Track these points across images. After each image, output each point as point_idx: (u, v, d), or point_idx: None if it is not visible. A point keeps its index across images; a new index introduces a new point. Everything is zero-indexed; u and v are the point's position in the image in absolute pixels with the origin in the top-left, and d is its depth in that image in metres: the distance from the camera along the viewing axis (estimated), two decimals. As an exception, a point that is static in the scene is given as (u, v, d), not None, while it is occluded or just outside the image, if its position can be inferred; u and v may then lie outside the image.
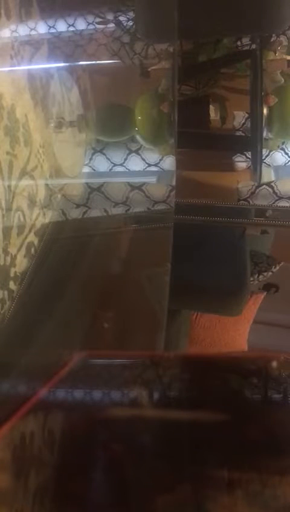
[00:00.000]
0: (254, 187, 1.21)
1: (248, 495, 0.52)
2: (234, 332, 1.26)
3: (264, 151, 1.38)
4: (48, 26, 1.45)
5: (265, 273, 1.27)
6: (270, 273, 1.27)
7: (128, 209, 1.26)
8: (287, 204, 1.18)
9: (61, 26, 1.49)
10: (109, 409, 0.71)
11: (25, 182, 1.07)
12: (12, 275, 0.98)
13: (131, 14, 1.41)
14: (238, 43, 1.41)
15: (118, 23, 1.45)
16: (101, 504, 0.56)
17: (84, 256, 1.13)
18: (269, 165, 1.48)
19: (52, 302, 0.99)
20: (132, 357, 0.85)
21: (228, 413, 0.63)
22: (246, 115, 1.47)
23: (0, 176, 0.95)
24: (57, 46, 1.46)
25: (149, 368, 0.83)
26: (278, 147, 1.39)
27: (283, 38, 1.36)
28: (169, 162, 1.50)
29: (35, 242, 1.10)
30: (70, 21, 1.50)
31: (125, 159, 1.57)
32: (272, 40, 1.33)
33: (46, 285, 1.04)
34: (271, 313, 1.28)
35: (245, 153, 1.45)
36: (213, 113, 1.48)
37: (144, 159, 1.56)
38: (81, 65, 1.55)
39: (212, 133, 1.50)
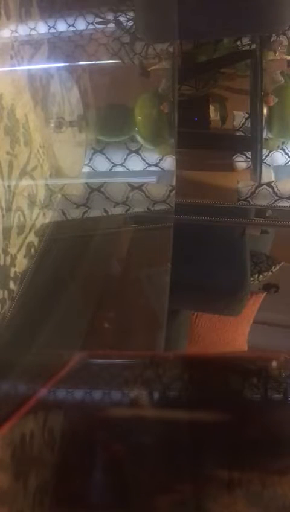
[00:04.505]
0: (254, 187, 1.21)
1: (248, 495, 0.52)
2: (234, 332, 1.26)
3: (264, 151, 1.38)
4: (48, 26, 1.45)
5: (265, 273, 1.27)
6: (270, 273, 1.28)
7: (128, 209, 1.26)
8: (287, 204, 1.18)
9: (61, 26, 1.49)
10: (109, 409, 0.71)
11: (25, 182, 1.07)
12: (12, 275, 0.98)
13: (131, 14, 1.41)
14: (238, 43, 1.40)
15: (118, 23, 1.45)
16: (101, 504, 0.56)
17: (84, 256, 1.13)
18: (269, 165, 1.48)
19: (52, 302, 0.99)
20: (132, 357, 0.85)
21: (228, 413, 0.63)
22: (246, 115, 1.47)
23: (0, 175, 0.95)
24: (57, 46, 1.46)
25: (149, 367, 0.83)
26: (278, 147, 1.39)
27: (283, 38, 1.36)
28: (169, 162, 1.50)
29: (35, 242, 1.10)
30: (71, 21, 1.50)
31: (125, 159, 1.56)
32: (272, 40, 1.33)
33: (46, 285, 1.04)
34: (271, 313, 1.28)
35: (245, 153, 1.45)
36: (213, 113, 1.48)
37: (144, 159, 1.56)
38: (81, 65, 1.55)
39: (212, 133, 1.50)
